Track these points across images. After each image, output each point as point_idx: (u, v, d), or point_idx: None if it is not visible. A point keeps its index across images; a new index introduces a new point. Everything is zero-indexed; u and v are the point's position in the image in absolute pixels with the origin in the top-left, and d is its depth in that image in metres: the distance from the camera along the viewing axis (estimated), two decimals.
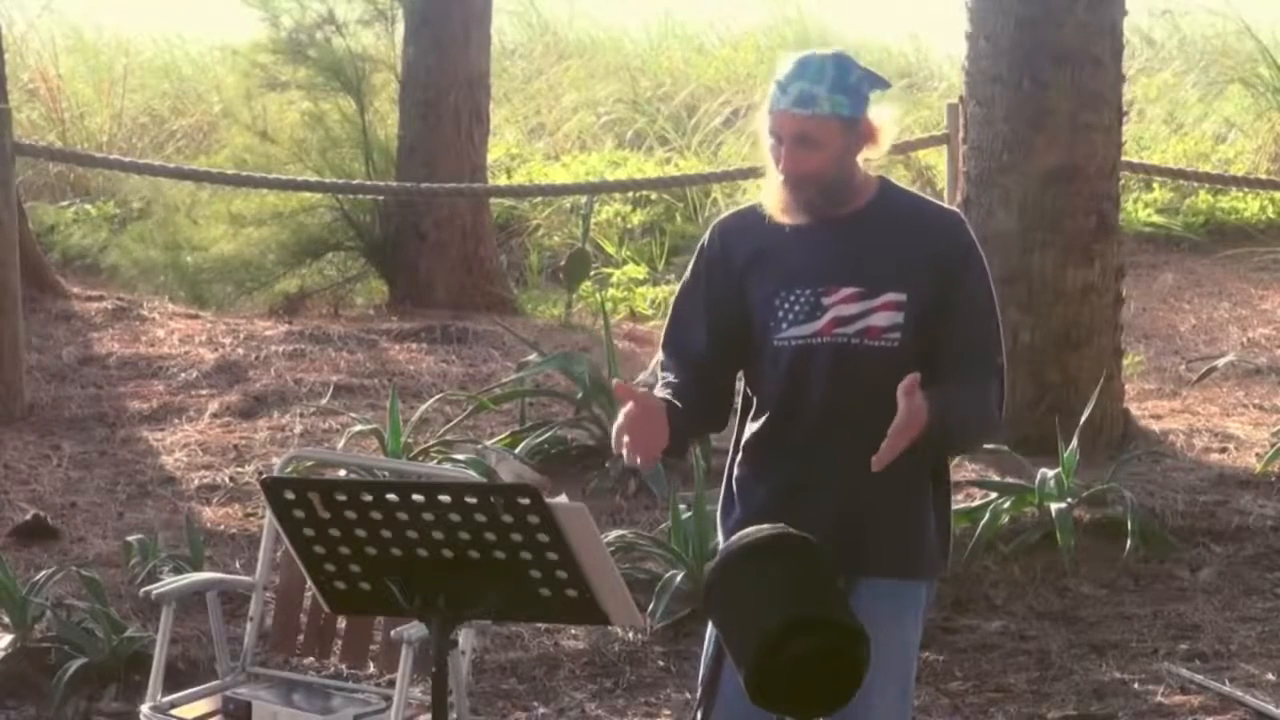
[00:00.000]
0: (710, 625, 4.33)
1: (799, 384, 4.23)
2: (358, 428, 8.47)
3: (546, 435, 8.46)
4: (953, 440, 4.25)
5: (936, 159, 11.72)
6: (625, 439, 4.12)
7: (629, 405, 4.12)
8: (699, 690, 4.37)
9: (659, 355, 4.47)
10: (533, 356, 9.18)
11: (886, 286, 4.21)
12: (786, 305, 4.23)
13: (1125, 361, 9.03)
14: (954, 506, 7.56)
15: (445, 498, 3.70)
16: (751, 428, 4.33)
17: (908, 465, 4.13)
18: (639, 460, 4.13)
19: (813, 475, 4.23)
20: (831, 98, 4.17)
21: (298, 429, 8.91)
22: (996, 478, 7.94)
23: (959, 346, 4.23)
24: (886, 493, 4.19)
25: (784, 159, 4.21)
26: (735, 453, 4.37)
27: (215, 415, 9.13)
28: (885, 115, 4.25)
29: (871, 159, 4.29)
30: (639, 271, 12.16)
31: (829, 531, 4.14)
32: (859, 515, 4.19)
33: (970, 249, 4.29)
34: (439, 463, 7.83)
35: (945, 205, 4.39)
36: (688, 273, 4.41)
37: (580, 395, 8.60)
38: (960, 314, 4.23)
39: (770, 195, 4.26)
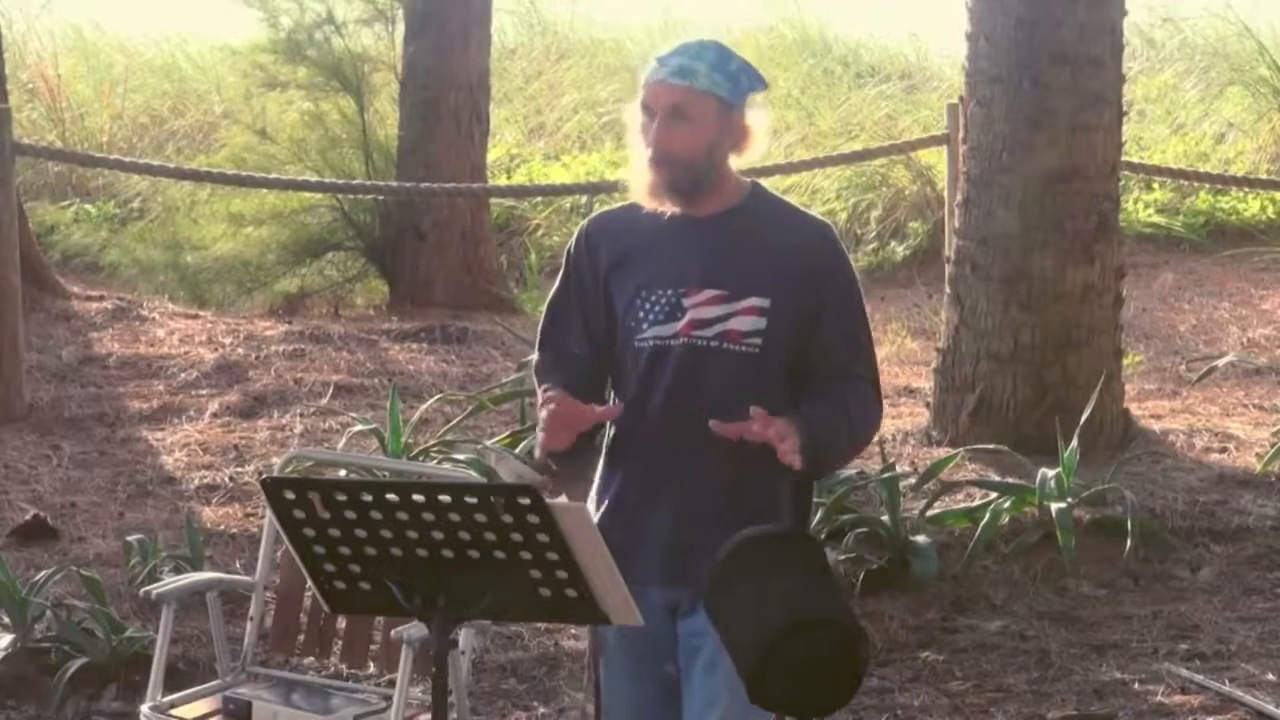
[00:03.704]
0: (589, 632, 4.27)
1: (652, 385, 4.12)
2: (358, 428, 8.46)
3: None
4: (821, 466, 4.10)
5: (936, 159, 11.72)
6: (556, 427, 4.06)
7: (566, 399, 4.06)
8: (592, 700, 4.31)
9: (535, 356, 4.35)
10: (533, 356, 9.15)
11: (750, 291, 4.09)
12: (648, 306, 4.13)
13: (1125, 361, 9.03)
14: (954, 506, 7.70)
15: (445, 498, 3.70)
16: (611, 431, 4.20)
17: (755, 474, 4.02)
18: (550, 445, 4.06)
19: (656, 479, 4.11)
20: (711, 75, 4.08)
21: (298, 429, 8.91)
22: (996, 478, 7.94)
23: (830, 360, 4.12)
24: (731, 501, 4.04)
25: (655, 132, 4.07)
26: (601, 456, 4.26)
27: (215, 415, 9.13)
28: (760, 121, 4.14)
29: (741, 166, 4.17)
30: None
31: (667, 539, 4.08)
32: (699, 523, 4.05)
33: (840, 260, 4.18)
34: (439, 463, 7.82)
35: (816, 215, 4.27)
36: (559, 275, 4.32)
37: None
38: (830, 327, 4.13)
39: (637, 179, 4.13)
